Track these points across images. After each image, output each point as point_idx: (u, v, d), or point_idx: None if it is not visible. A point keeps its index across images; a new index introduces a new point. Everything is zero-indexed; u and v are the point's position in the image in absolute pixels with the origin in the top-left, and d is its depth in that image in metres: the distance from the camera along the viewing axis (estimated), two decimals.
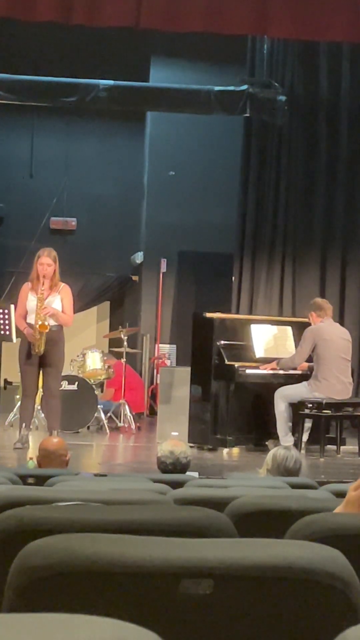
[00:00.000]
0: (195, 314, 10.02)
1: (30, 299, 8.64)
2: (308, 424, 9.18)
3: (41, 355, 8.57)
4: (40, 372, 8.75)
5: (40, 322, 8.49)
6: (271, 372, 9.39)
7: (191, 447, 8.89)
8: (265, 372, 9.39)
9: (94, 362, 10.80)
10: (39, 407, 9.59)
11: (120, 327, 11.42)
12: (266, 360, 9.41)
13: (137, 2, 8.69)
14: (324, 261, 12.07)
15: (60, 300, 8.69)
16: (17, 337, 9.24)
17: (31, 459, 7.28)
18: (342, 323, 10.39)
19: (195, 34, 9.70)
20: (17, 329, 9.08)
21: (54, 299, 8.66)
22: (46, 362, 8.64)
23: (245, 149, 12.18)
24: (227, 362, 9.27)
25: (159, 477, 4.72)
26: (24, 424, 8.69)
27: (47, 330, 8.50)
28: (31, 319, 8.58)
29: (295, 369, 9.42)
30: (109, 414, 10.81)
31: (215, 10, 8.81)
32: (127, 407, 10.81)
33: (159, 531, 2.10)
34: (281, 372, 9.43)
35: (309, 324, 9.37)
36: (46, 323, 8.51)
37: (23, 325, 8.63)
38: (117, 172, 14.03)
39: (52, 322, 8.59)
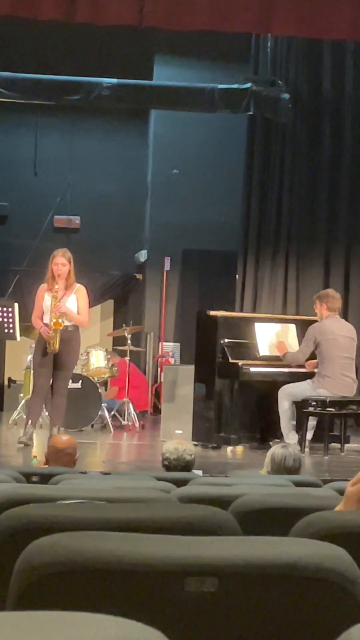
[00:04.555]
0: (199, 312, 9.99)
1: (46, 299, 8.63)
2: (312, 422, 9.16)
3: (55, 354, 8.54)
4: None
5: (54, 320, 8.47)
6: (275, 370, 9.36)
7: (195, 445, 8.89)
8: (269, 370, 9.36)
9: (98, 360, 10.80)
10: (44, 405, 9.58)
11: (124, 325, 11.43)
12: (270, 359, 9.39)
13: (141, 0, 8.69)
14: (327, 259, 12.08)
15: (75, 300, 8.68)
16: (29, 336, 9.21)
17: (35, 457, 7.28)
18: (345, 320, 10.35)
19: (199, 32, 9.70)
20: (21, 328, 9.05)
21: (69, 299, 8.65)
22: (59, 362, 8.58)
23: (249, 147, 12.19)
24: (231, 360, 9.26)
25: (163, 475, 4.71)
26: (30, 421, 8.65)
27: (61, 328, 8.48)
28: (47, 319, 8.58)
29: (299, 366, 9.38)
30: (112, 412, 10.80)
31: (219, 8, 8.81)
32: (131, 405, 10.81)
33: (163, 529, 2.10)
34: (285, 369, 9.40)
35: (312, 322, 9.32)
36: (60, 321, 8.49)
37: (39, 325, 8.60)
38: (121, 170, 14.02)
39: (66, 322, 8.58)
